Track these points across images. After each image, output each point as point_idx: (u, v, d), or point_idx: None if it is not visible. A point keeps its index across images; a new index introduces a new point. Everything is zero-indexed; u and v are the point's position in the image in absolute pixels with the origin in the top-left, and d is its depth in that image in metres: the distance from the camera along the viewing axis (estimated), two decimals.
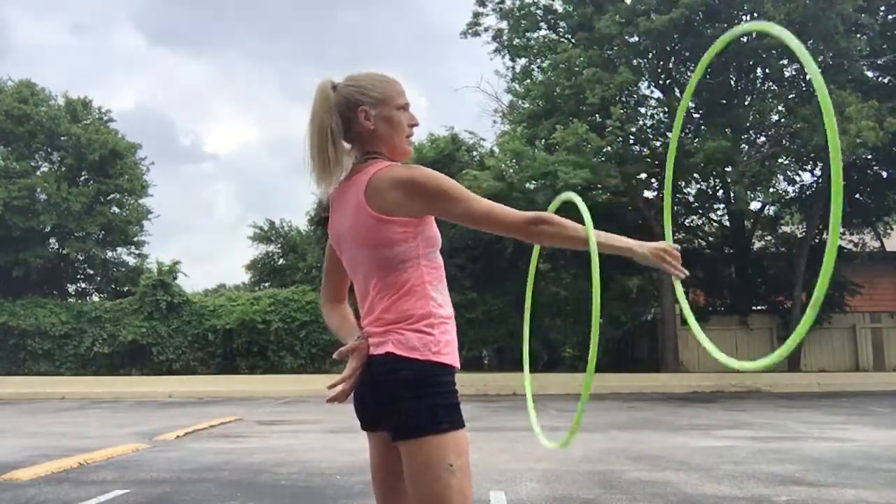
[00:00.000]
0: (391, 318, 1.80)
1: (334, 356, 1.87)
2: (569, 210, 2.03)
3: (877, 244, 21.04)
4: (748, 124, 17.81)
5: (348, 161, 1.92)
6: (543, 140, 17.44)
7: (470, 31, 20.35)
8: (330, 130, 1.87)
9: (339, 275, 2.02)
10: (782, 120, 17.62)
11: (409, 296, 1.81)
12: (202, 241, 66.98)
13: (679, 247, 1.97)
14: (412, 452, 1.75)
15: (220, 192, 77.44)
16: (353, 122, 1.89)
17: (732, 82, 18.52)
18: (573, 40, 18.77)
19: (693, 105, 19.19)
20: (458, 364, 1.83)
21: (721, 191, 20.46)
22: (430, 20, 67.59)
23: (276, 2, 71.58)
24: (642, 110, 19.20)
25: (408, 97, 1.96)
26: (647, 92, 19.46)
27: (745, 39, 17.52)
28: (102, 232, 21.97)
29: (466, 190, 1.84)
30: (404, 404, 1.75)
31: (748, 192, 17.16)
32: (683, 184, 19.48)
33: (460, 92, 38.27)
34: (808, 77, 18.02)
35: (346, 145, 1.92)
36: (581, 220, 1.87)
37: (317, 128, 1.87)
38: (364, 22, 77.78)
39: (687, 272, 1.97)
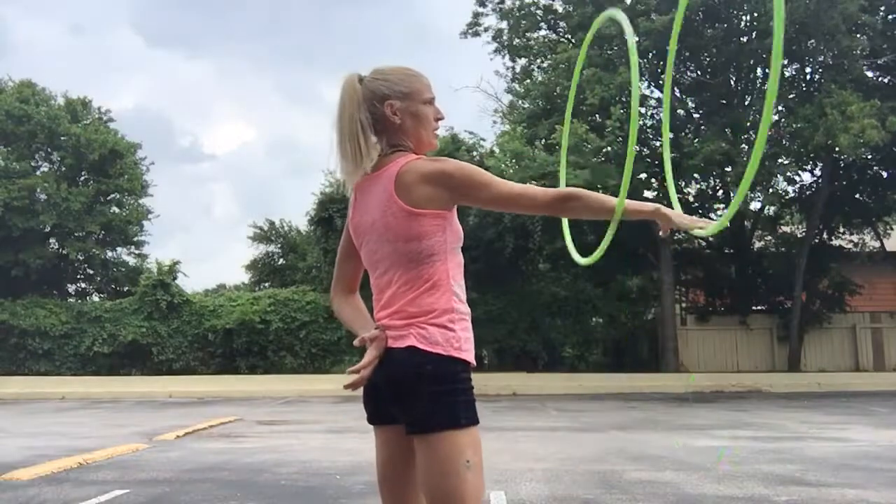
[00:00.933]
0: (414, 311, 1.81)
1: (355, 343, 1.86)
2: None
3: (877, 244, 21.03)
4: (748, 124, 17.80)
5: (374, 154, 1.92)
6: (543, 140, 17.43)
7: (470, 31, 20.36)
8: (360, 123, 1.87)
9: (353, 266, 2.02)
10: (782, 120, 17.62)
11: (434, 290, 1.82)
12: (201, 241, 66.94)
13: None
14: (430, 447, 1.75)
15: (218, 193, 77.41)
16: (380, 115, 1.90)
17: (732, 82, 18.51)
18: (573, 40, 18.76)
19: (693, 105, 19.20)
20: (474, 361, 1.84)
21: (721, 191, 20.46)
22: (427, 20, 67.60)
23: (272, 2, 71.60)
24: (642, 110, 19.18)
25: (434, 91, 1.97)
26: (647, 92, 19.46)
27: (744, 39, 17.54)
28: (102, 232, 21.96)
29: (491, 175, 1.86)
30: (425, 399, 1.75)
31: (748, 193, 17.16)
32: (683, 184, 19.48)
33: (456, 93, 38.29)
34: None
35: (373, 138, 1.92)
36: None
37: (346, 121, 1.88)
38: (361, 22, 77.77)
39: (709, 222, 2.00)
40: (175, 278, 20.22)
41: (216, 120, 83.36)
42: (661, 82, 18.71)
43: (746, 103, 18.09)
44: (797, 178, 19.59)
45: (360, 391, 1.91)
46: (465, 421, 1.76)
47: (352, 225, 1.95)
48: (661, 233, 1.98)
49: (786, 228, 22.28)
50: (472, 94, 65.18)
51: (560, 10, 19.40)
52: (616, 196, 1.91)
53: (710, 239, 22.88)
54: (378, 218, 1.85)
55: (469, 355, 1.82)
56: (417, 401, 1.76)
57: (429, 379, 1.76)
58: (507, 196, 1.84)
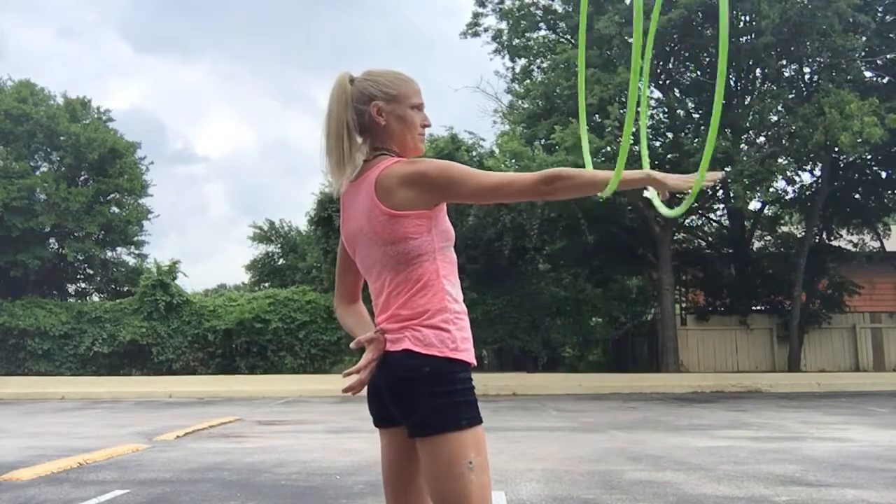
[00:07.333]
0: (407, 314, 1.80)
1: (352, 346, 1.86)
2: None
3: (877, 244, 21.04)
4: (748, 124, 17.80)
5: (359, 157, 1.92)
6: (543, 140, 17.44)
7: (470, 31, 20.38)
8: (346, 124, 1.88)
9: (352, 274, 2.02)
10: (782, 120, 17.62)
11: (424, 291, 1.81)
12: (197, 242, 67.13)
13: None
14: (432, 450, 1.74)
15: (213, 194, 77.64)
16: (366, 116, 1.90)
17: (732, 82, 18.51)
18: (573, 40, 18.77)
19: (693, 105, 19.21)
20: (473, 360, 1.83)
21: (721, 191, 20.49)
22: (426, 22, 67.64)
23: (266, 4, 71.62)
24: (638, 109, 19.16)
25: (423, 98, 1.97)
26: (647, 92, 19.45)
27: (744, 39, 17.54)
28: (102, 232, 21.93)
29: (471, 168, 1.86)
30: (424, 401, 1.74)
31: (747, 192, 17.19)
32: None
33: (456, 93, 38.20)
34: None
35: (359, 139, 1.93)
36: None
37: (333, 121, 1.89)
38: (356, 24, 77.84)
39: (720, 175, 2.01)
40: (175, 278, 20.21)
41: (208, 123, 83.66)
42: (660, 82, 18.72)
43: (746, 103, 18.09)
44: (797, 178, 19.62)
45: (364, 393, 1.91)
46: (465, 422, 1.75)
47: (343, 234, 1.96)
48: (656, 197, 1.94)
49: (785, 228, 22.30)
50: (472, 94, 65.16)
51: (560, 10, 19.41)
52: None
53: (710, 239, 22.91)
54: (365, 224, 1.85)
55: (467, 355, 1.80)
56: (417, 404, 1.75)
57: (426, 381, 1.75)
58: (488, 186, 1.82)
